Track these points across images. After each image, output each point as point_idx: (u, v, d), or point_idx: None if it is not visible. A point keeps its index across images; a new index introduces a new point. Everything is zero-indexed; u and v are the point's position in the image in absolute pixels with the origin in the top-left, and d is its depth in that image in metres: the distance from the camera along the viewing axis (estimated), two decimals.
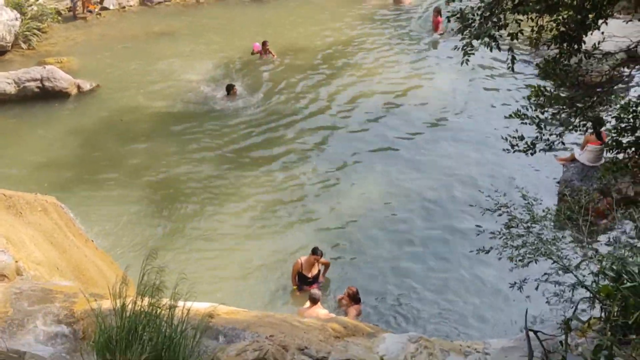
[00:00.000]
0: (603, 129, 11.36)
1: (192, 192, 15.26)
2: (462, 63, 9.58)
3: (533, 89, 9.34)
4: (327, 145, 16.92)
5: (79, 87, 19.61)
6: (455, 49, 10.50)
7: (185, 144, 17.08)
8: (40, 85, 19.30)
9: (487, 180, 14.97)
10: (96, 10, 24.73)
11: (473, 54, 9.49)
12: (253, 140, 17.20)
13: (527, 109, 9.43)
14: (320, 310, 11.28)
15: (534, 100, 9.50)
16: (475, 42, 9.20)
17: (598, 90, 9.98)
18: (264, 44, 21.43)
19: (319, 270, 12.62)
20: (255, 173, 15.86)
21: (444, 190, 15.01)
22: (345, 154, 16.44)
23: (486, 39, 8.78)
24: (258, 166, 16.11)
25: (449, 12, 9.86)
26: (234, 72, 20.66)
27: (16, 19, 22.10)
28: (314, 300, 11.41)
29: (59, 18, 23.81)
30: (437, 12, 22.63)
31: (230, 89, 19.09)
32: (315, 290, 11.67)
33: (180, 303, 5.47)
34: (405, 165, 15.96)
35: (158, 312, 5.24)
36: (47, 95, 19.22)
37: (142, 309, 5.20)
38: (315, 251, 12.49)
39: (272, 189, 15.29)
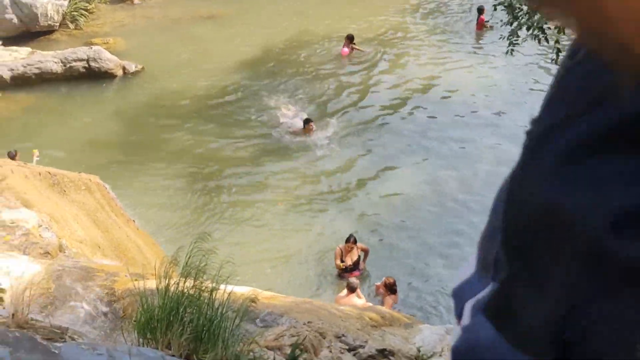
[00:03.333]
0: None
1: (233, 178, 15.33)
2: (507, 53, 9.50)
3: None
4: (366, 137, 16.82)
5: (124, 68, 19.76)
6: (501, 38, 10.39)
7: (227, 129, 17.14)
8: (86, 65, 19.48)
9: None
10: None
11: (518, 43, 9.39)
12: (294, 127, 17.18)
13: None
14: (357, 300, 11.27)
15: None
16: (521, 33, 9.10)
17: None
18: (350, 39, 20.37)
19: (359, 257, 12.61)
20: (296, 159, 15.89)
21: (486, 185, 14.86)
22: (384, 146, 16.35)
23: (537, 32, 8.67)
24: (299, 153, 16.13)
25: (496, 1, 9.75)
26: (276, 58, 20.62)
27: None
28: (352, 289, 11.41)
29: None
30: (480, 10, 21.99)
31: (307, 123, 16.72)
32: (353, 279, 11.65)
33: (222, 286, 5.48)
34: (444, 159, 15.80)
35: (200, 294, 5.27)
36: (93, 76, 19.41)
37: (184, 290, 5.23)
38: (348, 239, 12.51)
39: (311, 177, 15.29)
